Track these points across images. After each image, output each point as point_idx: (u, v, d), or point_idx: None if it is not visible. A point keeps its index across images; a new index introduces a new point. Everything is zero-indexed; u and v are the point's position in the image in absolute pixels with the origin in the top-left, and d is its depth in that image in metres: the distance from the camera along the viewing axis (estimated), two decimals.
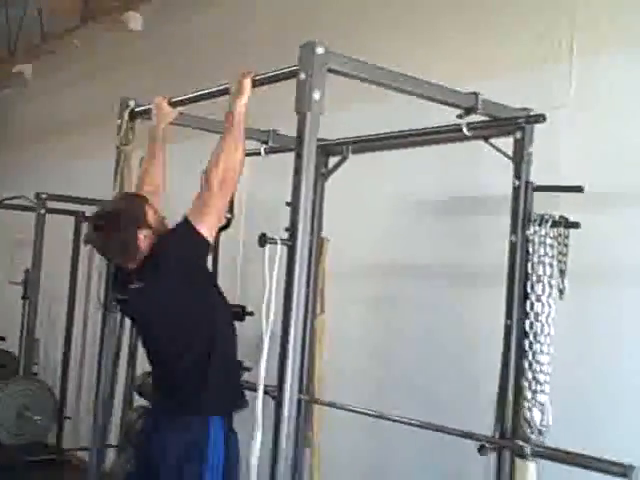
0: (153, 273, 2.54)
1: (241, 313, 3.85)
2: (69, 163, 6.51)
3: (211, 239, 2.52)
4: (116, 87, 3.37)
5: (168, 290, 2.54)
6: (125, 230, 2.55)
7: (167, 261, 2.53)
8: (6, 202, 5.71)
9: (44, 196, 5.25)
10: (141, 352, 4.34)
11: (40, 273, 5.36)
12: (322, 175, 3.30)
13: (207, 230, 2.48)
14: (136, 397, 4.34)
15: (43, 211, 5.26)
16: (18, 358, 5.73)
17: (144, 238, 2.56)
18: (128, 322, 4.33)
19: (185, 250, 2.52)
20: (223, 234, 3.86)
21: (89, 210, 5.27)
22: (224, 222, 3.83)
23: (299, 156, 2.00)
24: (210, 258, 3.89)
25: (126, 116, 2.99)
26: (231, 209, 3.81)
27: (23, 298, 5.68)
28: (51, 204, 5.40)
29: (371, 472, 3.64)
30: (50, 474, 5.31)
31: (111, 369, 3.22)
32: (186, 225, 2.49)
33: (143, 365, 4.30)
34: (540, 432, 2.43)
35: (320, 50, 2.00)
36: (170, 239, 2.56)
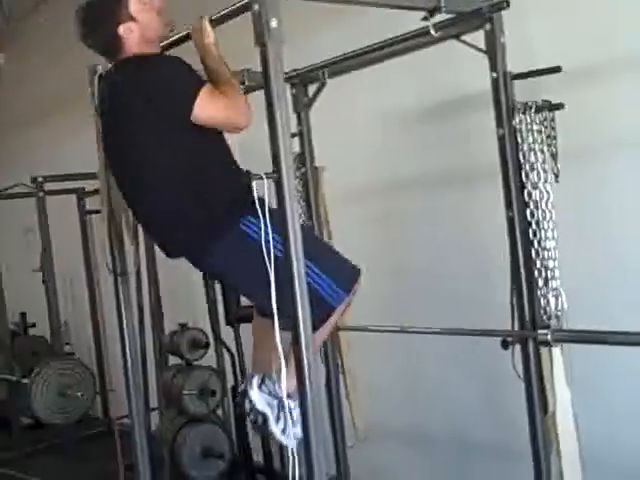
0: (126, 75, 2.32)
1: None
2: (58, 142, 6.49)
3: (199, 118, 2.24)
4: (87, 59, 3.32)
5: (136, 103, 2.28)
6: (105, 25, 2.35)
7: (149, 89, 2.26)
8: (5, 192, 5.72)
9: (40, 179, 5.25)
10: (165, 311, 4.43)
11: (52, 255, 5.40)
12: (304, 105, 3.27)
13: (207, 107, 2.24)
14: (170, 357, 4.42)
15: (42, 194, 5.27)
16: (50, 342, 5.84)
17: (129, 32, 2.34)
18: (145, 287, 4.39)
19: (172, 81, 2.26)
20: None
21: (89, 185, 5.30)
22: None
23: (268, 87, 1.98)
24: None
25: (96, 82, 2.96)
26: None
27: (43, 282, 5.75)
28: (50, 186, 5.40)
29: (403, 387, 3.71)
30: (102, 444, 5.43)
31: (132, 333, 3.24)
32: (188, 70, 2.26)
33: (170, 325, 4.39)
34: (557, 317, 2.44)
35: None
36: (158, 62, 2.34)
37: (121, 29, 2.34)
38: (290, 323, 2.07)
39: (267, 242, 2.23)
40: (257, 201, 2.21)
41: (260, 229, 2.23)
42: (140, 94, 2.28)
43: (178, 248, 2.51)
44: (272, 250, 2.20)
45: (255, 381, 2.63)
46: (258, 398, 2.61)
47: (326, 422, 3.21)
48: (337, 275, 2.41)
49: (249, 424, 2.73)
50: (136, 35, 2.36)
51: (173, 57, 2.34)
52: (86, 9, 2.41)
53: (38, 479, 4.80)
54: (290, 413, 2.57)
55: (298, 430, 2.46)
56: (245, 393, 2.65)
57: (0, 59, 6.89)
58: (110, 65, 2.49)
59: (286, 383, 2.36)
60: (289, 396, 2.52)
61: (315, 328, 2.15)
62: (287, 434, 2.57)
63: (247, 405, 2.65)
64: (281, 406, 2.57)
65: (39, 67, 6.82)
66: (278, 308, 2.13)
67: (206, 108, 2.25)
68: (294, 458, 2.09)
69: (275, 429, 2.59)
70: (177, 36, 2.53)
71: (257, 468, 4.06)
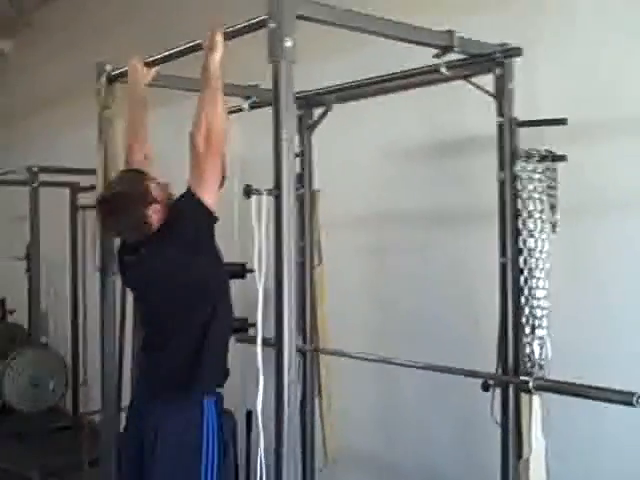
0: (160, 241, 2.54)
1: (241, 271, 3.87)
2: (58, 135, 6.48)
3: (214, 204, 2.48)
4: (98, 54, 3.33)
5: (172, 258, 2.53)
6: (134, 211, 2.55)
7: (173, 231, 2.52)
8: None
9: (35, 169, 5.23)
10: None
11: (39, 246, 5.38)
12: (308, 127, 3.29)
13: (209, 195, 2.45)
14: None
15: (36, 184, 5.25)
16: (28, 330, 5.81)
17: (153, 214, 2.55)
18: None
19: (192, 219, 2.49)
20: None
21: (83, 180, 5.28)
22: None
23: (277, 104, 1.98)
24: None
25: (104, 80, 2.96)
26: (223, 168, 3.80)
27: (27, 272, 5.73)
28: (45, 177, 5.39)
29: (379, 416, 3.70)
30: (68, 438, 5.41)
31: (114, 332, 3.23)
32: (189, 196, 2.46)
33: None
34: (540, 366, 2.44)
35: None
36: (176, 210, 2.54)
37: (150, 211, 2.55)
38: None
39: (210, 443, 2.51)
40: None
41: (213, 423, 2.52)
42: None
43: (148, 385, 2.70)
44: (212, 460, 2.50)
45: None
46: None
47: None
48: None
49: None
50: (158, 215, 2.57)
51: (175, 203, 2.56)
52: (114, 197, 2.62)
53: (3, 463, 4.75)
54: None
55: None
56: None
57: (7, 47, 6.87)
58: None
59: None
60: None
61: None
62: None
63: None
64: None
65: (46, 58, 6.81)
66: None
67: (206, 188, 2.45)
68: (262, 476, 2.08)
69: None
70: (189, 44, 2.55)
71: None
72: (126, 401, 4.20)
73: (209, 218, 2.49)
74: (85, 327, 5.90)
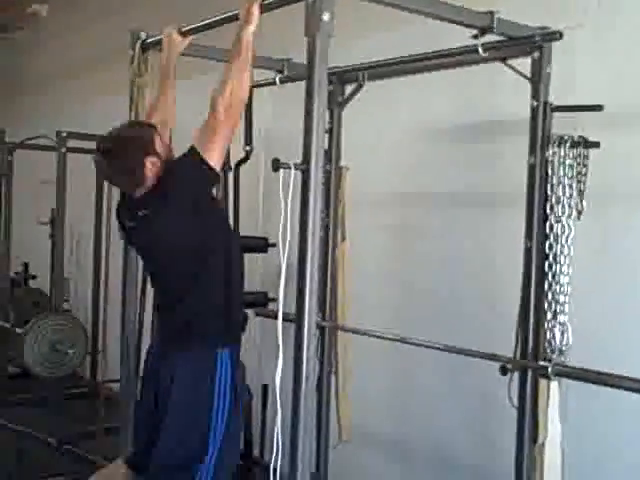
0: (160, 201, 2.51)
1: (263, 245, 3.88)
2: (88, 102, 6.51)
3: (218, 167, 2.47)
4: (132, 21, 3.34)
5: (175, 219, 2.51)
6: (132, 156, 2.52)
7: (174, 190, 2.50)
8: (28, 142, 5.72)
9: (64, 134, 5.26)
10: None
11: (65, 211, 5.40)
12: (339, 104, 3.28)
13: (214, 158, 2.44)
14: None
15: (64, 150, 5.27)
16: (49, 296, 5.86)
17: (151, 166, 2.53)
18: None
19: (192, 179, 2.48)
20: (243, 167, 3.87)
21: None
22: (243, 155, 3.85)
23: (310, 79, 1.97)
24: (231, 190, 3.93)
25: (138, 48, 2.97)
26: (250, 141, 3.81)
27: (51, 237, 5.77)
28: (73, 143, 5.41)
29: (395, 396, 3.71)
30: (86, 405, 5.46)
31: (135, 300, 3.26)
32: (193, 154, 2.45)
33: None
34: (561, 352, 2.45)
35: None
36: (177, 168, 2.53)
37: (148, 162, 2.52)
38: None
39: (221, 395, 2.53)
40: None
41: (226, 374, 2.53)
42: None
43: (163, 335, 2.73)
44: (222, 406, 2.52)
45: None
46: None
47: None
48: None
49: None
50: (156, 170, 2.54)
51: (176, 164, 2.54)
52: (115, 139, 2.60)
53: (21, 427, 4.81)
54: None
55: None
56: None
57: (43, 10, 6.88)
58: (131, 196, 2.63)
59: None
60: None
61: None
62: None
63: None
64: None
65: (81, 23, 6.83)
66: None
67: (211, 149, 2.43)
68: (278, 450, 2.08)
69: None
70: (226, 15, 2.55)
71: None
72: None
73: (211, 177, 2.47)
74: (107, 294, 5.94)
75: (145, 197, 2.56)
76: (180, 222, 2.51)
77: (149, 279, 2.95)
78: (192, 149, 2.46)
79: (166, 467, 2.55)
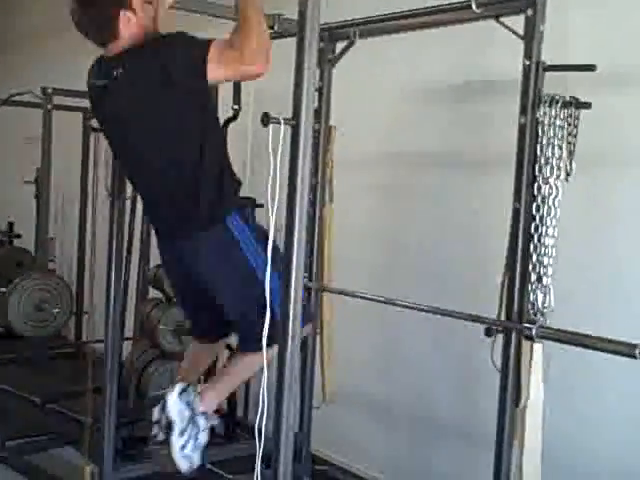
0: (141, 61, 2.39)
1: (251, 205, 3.85)
2: (74, 59, 6.38)
3: (212, 79, 2.33)
4: None
5: (151, 82, 2.37)
6: (105, 4, 2.41)
7: (159, 53, 2.37)
8: (13, 99, 5.65)
9: (50, 91, 5.19)
10: (154, 244, 4.42)
11: (50, 170, 5.35)
12: (329, 61, 3.24)
13: (215, 71, 2.30)
14: (150, 290, 4.41)
15: (50, 107, 5.21)
16: (34, 255, 5.82)
17: (127, 21, 2.41)
18: (139, 211, 4.36)
19: (182, 53, 2.33)
20: (231, 126, 3.82)
21: None
22: (231, 114, 3.80)
23: (301, 35, 1.94)
24: None
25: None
26: (238, 100, 3.76)
27: (36, 196, 5.72)
28: (59, 100, 5.34)
29: (379, 357, 3.72)
30: (70, 366, 5.46)
31: (121, 260, 3.24)
32: (195, 40, 2.33)
33: (156, 259, 4.37)
34: (542, 314, 2.44)
35: None
36: (168, 36, 2.39)
37: (122, 14, 2.41)
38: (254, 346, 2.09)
39: (249, 246, 2.49)
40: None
41: (244, 232, 2.50)
42: (157, 72, 2.35)
43: (165, 229, 2.67)
44: (254, 258, 2.46)
45: (178, 387, 2.65)
46: (173, 403, 2.61)
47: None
48: None
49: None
50: (131, 27, 2.42)
51: (173, 34, 2.40)
52: None
53: (4, 386, 4.80)
54: (197, 434, 2.61)
55: (195, 457, 2.56)
56: (163, 396, 2.66)
57: None
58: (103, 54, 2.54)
59: (208, 400, 2.42)
60: (205, 414, 2.53)
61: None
62: (183, 453, 2.58)
63: (157, 408, 2.65)
64: (192, 421, 2.60)
65: None
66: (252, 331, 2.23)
67: (216, 72, 2.31)
68: (263, 410, 2.07)
69: (175, 441, 2.58)
70: None
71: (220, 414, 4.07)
72: (129, 333, 4.27)
73: (204, 52, 2.31)
74: (93, 254, 5.90)
75: (122, 55, 2.43)
76: (155, 87, 2.37)
77: (128, 172, 2.79)
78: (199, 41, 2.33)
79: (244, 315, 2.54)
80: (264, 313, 2.00)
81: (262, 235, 2.47)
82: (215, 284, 2.59)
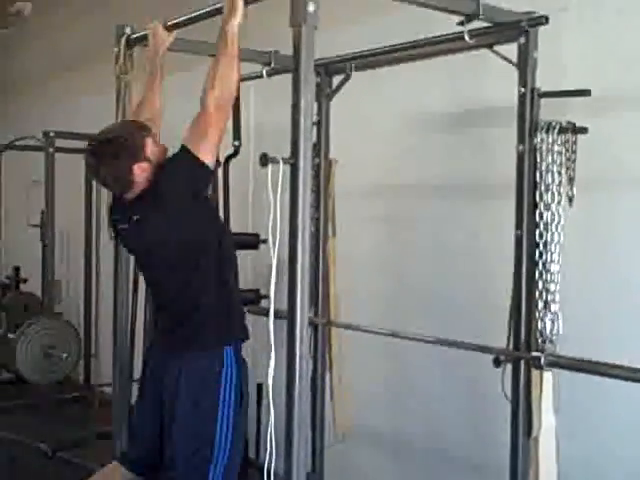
0: (152, 206, 2.49)
1: (255, 241, 3.85)
2: (75, 100, 6.45)
3: (212, 165, 2.45)
4: (117, 18, 3.30)
5: (168, 223, 2.48)
6: (121, 163, 2.48)
7: (167, 193, 2.47)
8: (16, 144, 5.68)
9: (52, 134, 5.22)
10: None
11: (54, 213, 5.37)
12: (326, 96, 3.25)
13: (208, 156, 2.41)
14: None
15: (52, 150, 5.24)
16: (41, 299, 5.81)
17: (140, 172, 2.49)
18: None
19: (185, 180, 2.45)
20: (233, 162, 3.83)
21: None
22: (232, 150, 3.81)
23: (296, 71, 1.95)
24: (221, 187, 3.90)
25: (123, 44, 2.93)
26: (239, 136, 3.77)
27: (41, 240, 5.73)
28: (61, 143, 5.37)
29: (389, 390, 3.68)
30: (79, 409, 5.43)
31: (127, 301, 3.22)
32: (185, 153, 2.41)
33: None
34: (551, 341, 2.42)
35: None
36: (170, 170, 2.49)
37: (136, 168, 2.48)
38: None
39: (227, 394, 2.51)
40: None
41: (231, 375, 2.51)
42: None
43: (164, 340, 2.69)
44: (227, 411, 2.50)
45: None
46: None
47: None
48: None
49: None
50: (146, 174, 2.50)
51: (171, 168, 2.49)
52: (106, 142, 2.54)
53: (14, 435, 4.75)
54: None
55: None
56: None
57: (26, 9, 6.82)
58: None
59: None
60: None
61: None
62: None
63: None
64: None
65: (65, 22, 6.77)
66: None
67: (209, 145, 2.41)
68: (271, 451, 2.05)
69: None
70: (210, 8, 2.52)
71: None
72: (138, 374, 4.25)
73: (205, 175, 2.45)
74: (98, 297, 5.90)
75: (137, 202, 2.53)
76: (172, 225, 2.49)
77: (143, 280, 2.92)
78: (184, 148, 2.43)
79: (181, 467, 2.53)
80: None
81: (243, 387, 2.57)
82: (176, 411, 2.55)
